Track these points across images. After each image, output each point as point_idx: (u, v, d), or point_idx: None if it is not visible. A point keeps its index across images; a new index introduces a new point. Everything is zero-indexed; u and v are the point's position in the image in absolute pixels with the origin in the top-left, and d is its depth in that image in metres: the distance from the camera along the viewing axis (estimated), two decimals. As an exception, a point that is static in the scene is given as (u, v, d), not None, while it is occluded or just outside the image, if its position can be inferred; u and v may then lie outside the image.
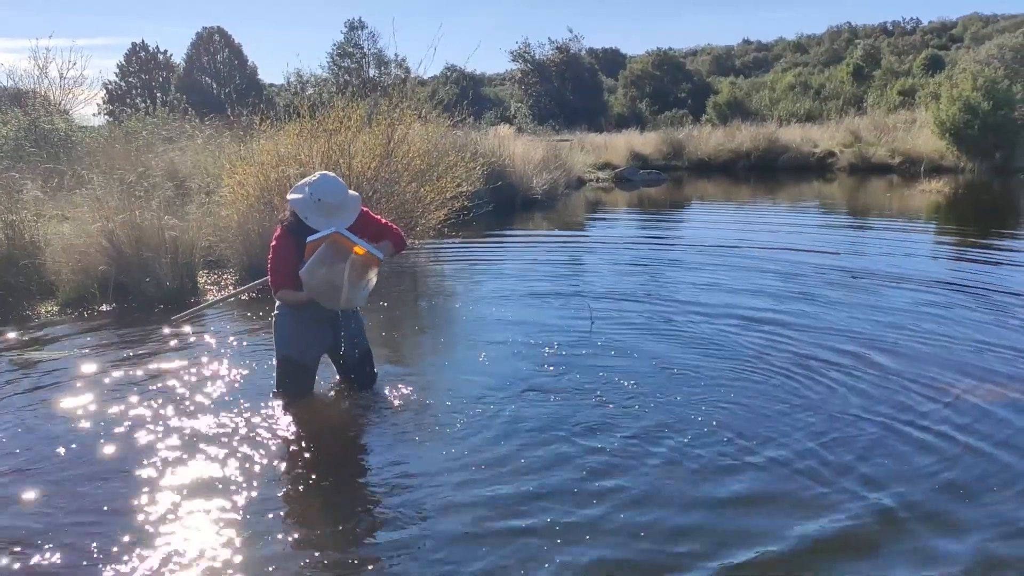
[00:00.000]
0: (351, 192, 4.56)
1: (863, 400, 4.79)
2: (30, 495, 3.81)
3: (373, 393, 5.01)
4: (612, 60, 64.65)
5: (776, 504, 3.62)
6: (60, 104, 19.14)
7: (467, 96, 15.55)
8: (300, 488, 3.89)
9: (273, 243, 4.60)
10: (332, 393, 5.04)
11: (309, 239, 4.31)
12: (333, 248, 4.26)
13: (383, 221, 4.74)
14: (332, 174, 4.51)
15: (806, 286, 8.02)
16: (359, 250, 4.26)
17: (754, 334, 6.21)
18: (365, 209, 4.64)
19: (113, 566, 3.18)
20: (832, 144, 26.66)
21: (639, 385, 5.08)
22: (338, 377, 5.07)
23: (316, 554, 3.29)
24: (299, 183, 4.61)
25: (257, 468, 4.07)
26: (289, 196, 4.55)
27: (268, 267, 4.67)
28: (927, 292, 7.65)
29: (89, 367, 5.76)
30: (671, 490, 3.74)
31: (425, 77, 16.95)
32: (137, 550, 3.29)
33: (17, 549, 3.33)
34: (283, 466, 4.11)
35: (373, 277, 4.43)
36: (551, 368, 5.46)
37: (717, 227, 13.72)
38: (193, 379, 5.38)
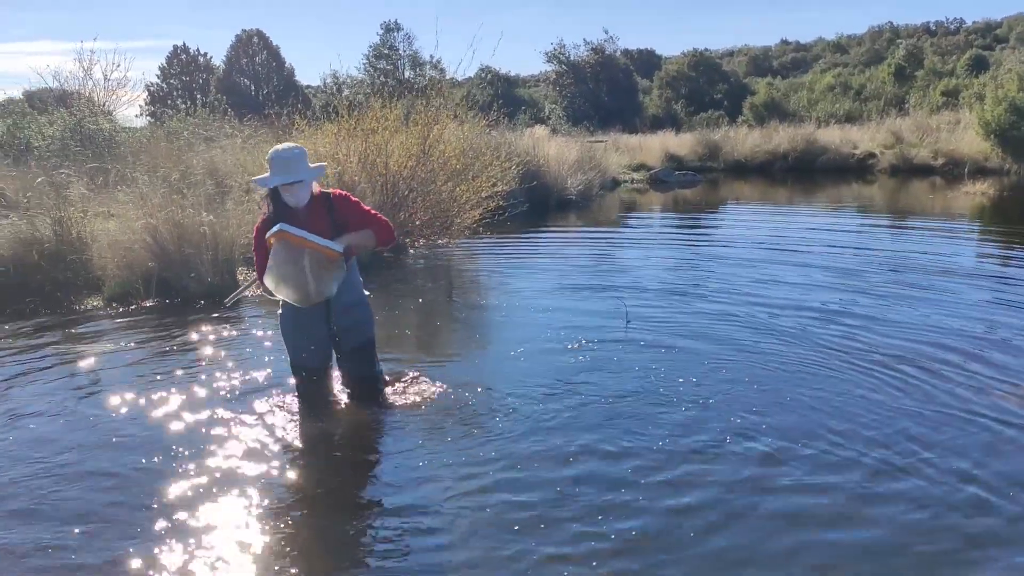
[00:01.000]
0: (314, 163, 4.46)
1: (955, 399, 4.75)
2: (68, 482, 3.92)
3: (393, 392, 4.94)
4: (647, 61, 64.27)
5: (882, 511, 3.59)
6: (104, 105, 19.52)
7: (501, 97, 15.60)
8: (327, 484, 3.96)
9: (254, 235, 4.51)
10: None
11: (268, 234, 4.16)
12: (285, 246, 4.09)
13: (370, 211, 4.47)
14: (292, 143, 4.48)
15: (861, 281, 8.01)
16: (309, 244, 4.08)
17: (824, 330, 6.16)
18: (355, 200, 4.47)
19: (146, 547, 3.26)
20: (872, 145, 26.25)
21: (696, 382, 5.07)
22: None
23: (328, 550, 3.34)
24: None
25: (284, 461, 4.14)
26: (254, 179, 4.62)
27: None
28: (988, 289, 7.57)
29: (133, 360, 5.90)
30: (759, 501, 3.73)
31: (459, 79, 16.90)
32: (170, 533, 3.38)
33: (59, 529, 3.43)
34: (310, 460, 4.20)
35: (341, 267, 4.26)
36: (588, 361, 5.48)
37: (758, 226, 13.61)
38: (232, 373, 5.48)
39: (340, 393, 4.85)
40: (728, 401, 4.74)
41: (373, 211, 4.48)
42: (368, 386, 4.84)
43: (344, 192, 4.50)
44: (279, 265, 4.10)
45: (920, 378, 5.07)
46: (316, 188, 4.43)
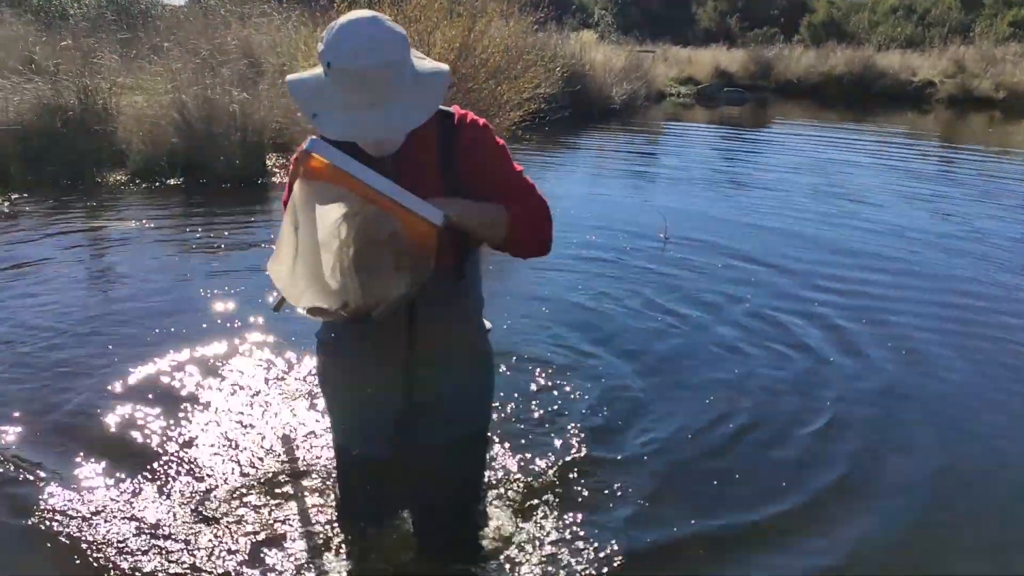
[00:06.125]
0: (423, 60, 1.86)
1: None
2: (77, 352, 3.76)
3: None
4: (704, -29, 61.57)
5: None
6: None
7: (550, -2, 14.89)
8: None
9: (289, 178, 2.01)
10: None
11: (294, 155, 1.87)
12: (320, 191, 1.80)
13: (519, 176, 2.00)
14: (370, 16, 1.77)
15: (903, 218, 7.54)
16: (373, 195, 1.77)
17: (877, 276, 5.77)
18: (499, 144, 1.98)
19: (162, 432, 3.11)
20: (933, 73, 25.06)
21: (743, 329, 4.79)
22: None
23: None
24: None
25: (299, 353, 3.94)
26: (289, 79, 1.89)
27: None
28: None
29: (153, 240, 5.71)
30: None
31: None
32: (177, 428, 3.21)
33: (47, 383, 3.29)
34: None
35: (428, 261, 1.82)
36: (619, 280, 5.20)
37: (811, 152, 13.03)
38: (255, 265, 5.27)
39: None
40: (758, 329, 4.47)
41: (526, 178, 2.00)
42: (457, 510, 2.40)
43: (481, 121, 1.98)
44: (302, 227, 1.83)
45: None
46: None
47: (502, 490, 2.75)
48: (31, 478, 2.79)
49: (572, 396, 3.53)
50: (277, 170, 8.22)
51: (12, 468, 2.85)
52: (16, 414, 3.23)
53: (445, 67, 1.84)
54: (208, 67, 8.27)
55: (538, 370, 3.73)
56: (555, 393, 3.54)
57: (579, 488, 2.82)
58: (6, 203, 6.42)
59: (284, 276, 1.84)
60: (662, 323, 4.46)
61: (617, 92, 17.05)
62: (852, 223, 7.03)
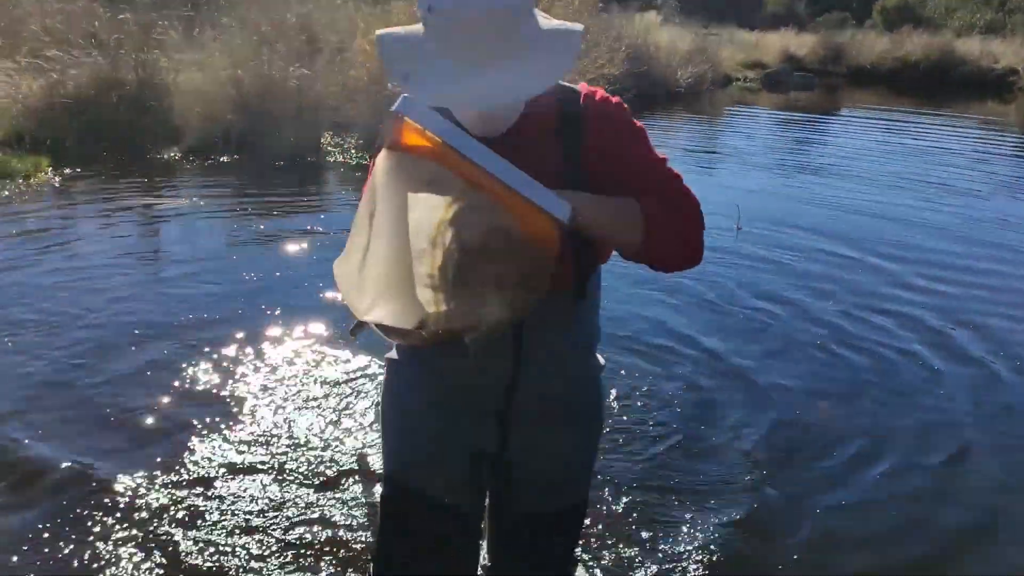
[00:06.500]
0: (548, 19, 1.36)
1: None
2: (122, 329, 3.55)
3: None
4: (772, -47, 60.02)
5: None
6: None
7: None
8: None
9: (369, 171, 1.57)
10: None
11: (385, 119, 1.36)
12: (410, 167, 1.30)
13: (663, 165, 1.45)
14: None
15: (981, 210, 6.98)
16: (476, 176, 1.27)
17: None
18: (636, 126, 1.45)
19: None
20: (1016, 61, 23.89)
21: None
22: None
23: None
24: None
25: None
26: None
27: None
28: None
29: (206, 217, 5.54)
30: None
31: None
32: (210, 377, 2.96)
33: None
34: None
35: (544, 273, 1.26)
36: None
37: (887, 139, 12.38)
38: (305, 243, 5.03)
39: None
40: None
41: (671, 168, 1.46)
42: None
43: (615, 99, 1.47)
44: (380, 214, 1.32)
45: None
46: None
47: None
48: (72, 463, 2.56)
49: (649, 403, 3.19)
50: (332, 149, 7.98)
51: (55, 454, 2.63)
52: (57, 395, 3.06)
53: (578, 26, 1.35)
54: (266, 43, 8.06)
55: (619, 371, 3.39)
56: (637, 402, 3.20)
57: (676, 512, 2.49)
58: (58, 177, 6.30)
59: (351, 279, 1.32)
60: (743, 319, 4.08)
61: (682, 75, 16.55)
62: (944, 210, 6.53)
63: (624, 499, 2.54)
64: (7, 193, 5.80)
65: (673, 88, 16.05)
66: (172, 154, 7.35)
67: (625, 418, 3.05)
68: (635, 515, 2.47)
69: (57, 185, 6.15)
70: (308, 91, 7.67)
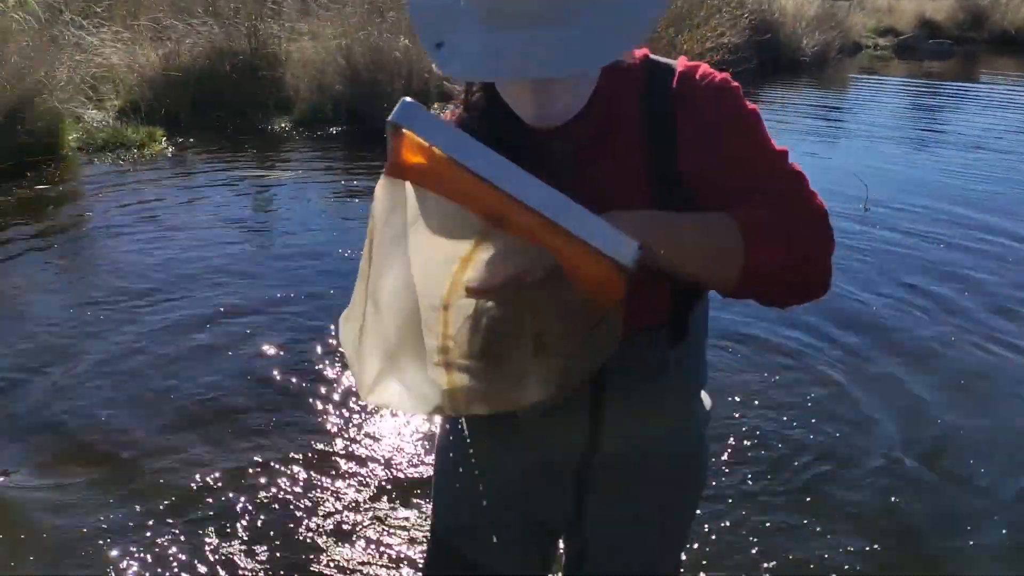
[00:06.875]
0: None
1: None
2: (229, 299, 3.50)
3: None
4: (908, -89, 56.44)
5: None
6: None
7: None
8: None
9: None
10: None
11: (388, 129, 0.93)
12: (428, 208, 0.91)
13: (777, 161, 1.07)
14: None
15: None
16: (526, 223, 0.88)
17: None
18: (751, 111, 1.08)
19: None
20: None
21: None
22: None
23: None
24: None
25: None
26: None
27: None
28: None
29: (314, 188, 5.55)
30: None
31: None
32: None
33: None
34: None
35: (614, 327, 0.92)
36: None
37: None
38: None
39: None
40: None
41: (793, 165, 1.09)
42: None
43: (720, 76, 1.09)
44: (379, 265, 0.93)
45: None
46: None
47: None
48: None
49: (780, 398, 2.89)
50: (440, 120, 7.86)
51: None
52: (157, 369, 3.06)
53: None
54: (377, 12, 7.96)
55: (741, 371, 3.11)
56: (768, 411, 2.91)
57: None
58: (172, 148, 6.38)
59: (352, 343, 0.98)
60: (875, 306, 3.71)
61: (808, 43, 15.69)
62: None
63: (761, 527, 2.28)
64: (123, 163, 5.91)
65: (797, 57, 15.24)
66: (283, 124, 7.37)
67: (744, 429, 2.77)
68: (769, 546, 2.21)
69: (170, 156, 6.23)
70: (417, 61, 7.53)
